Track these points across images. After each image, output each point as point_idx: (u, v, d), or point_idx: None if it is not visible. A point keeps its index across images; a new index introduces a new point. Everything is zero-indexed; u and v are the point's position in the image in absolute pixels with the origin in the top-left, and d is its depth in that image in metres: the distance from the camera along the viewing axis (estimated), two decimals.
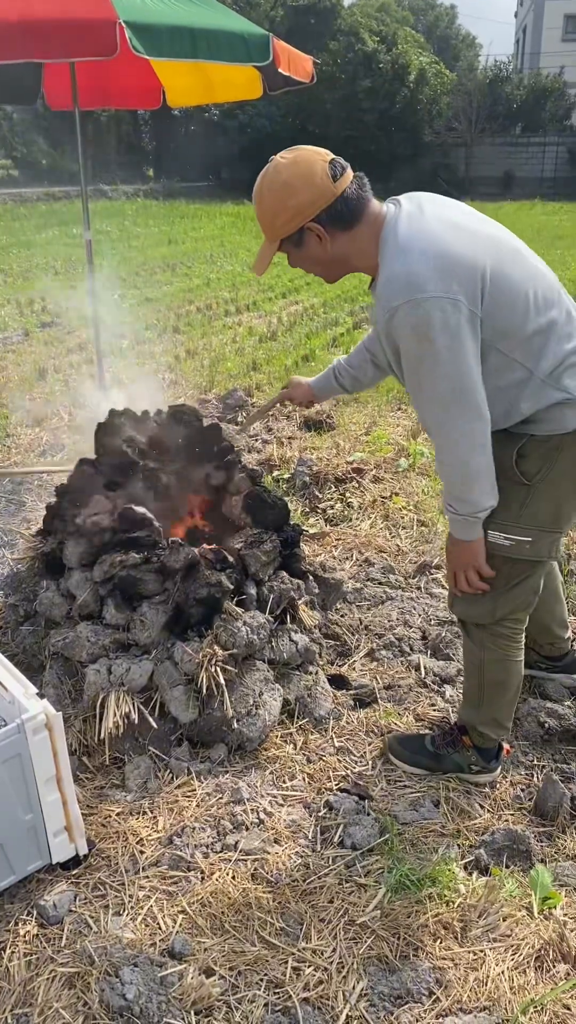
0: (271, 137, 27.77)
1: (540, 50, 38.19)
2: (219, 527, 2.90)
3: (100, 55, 3.81)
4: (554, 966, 1.84)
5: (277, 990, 1.79)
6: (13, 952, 1.87)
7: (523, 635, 2.29)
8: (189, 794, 2.32)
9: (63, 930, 1.92)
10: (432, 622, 3.18)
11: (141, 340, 8.03)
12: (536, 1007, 1.74)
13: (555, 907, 1.99)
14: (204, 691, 2.41)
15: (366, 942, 1.90)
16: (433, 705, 2.74)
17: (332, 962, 1.85)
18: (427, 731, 2.54)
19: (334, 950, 1.88)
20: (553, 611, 2.65)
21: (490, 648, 2.26)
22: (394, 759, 2.46)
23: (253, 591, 2.65)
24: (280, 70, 4.57)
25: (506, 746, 2.46)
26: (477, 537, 2.05)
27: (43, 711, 1.92)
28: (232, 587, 2.56)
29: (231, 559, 2.61)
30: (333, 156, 1.88)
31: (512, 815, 2.32)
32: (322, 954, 1.87)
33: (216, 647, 2.46)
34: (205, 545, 2.66)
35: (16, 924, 1.94)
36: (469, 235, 1.84)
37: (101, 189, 26.77)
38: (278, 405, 2.93)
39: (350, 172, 1.88)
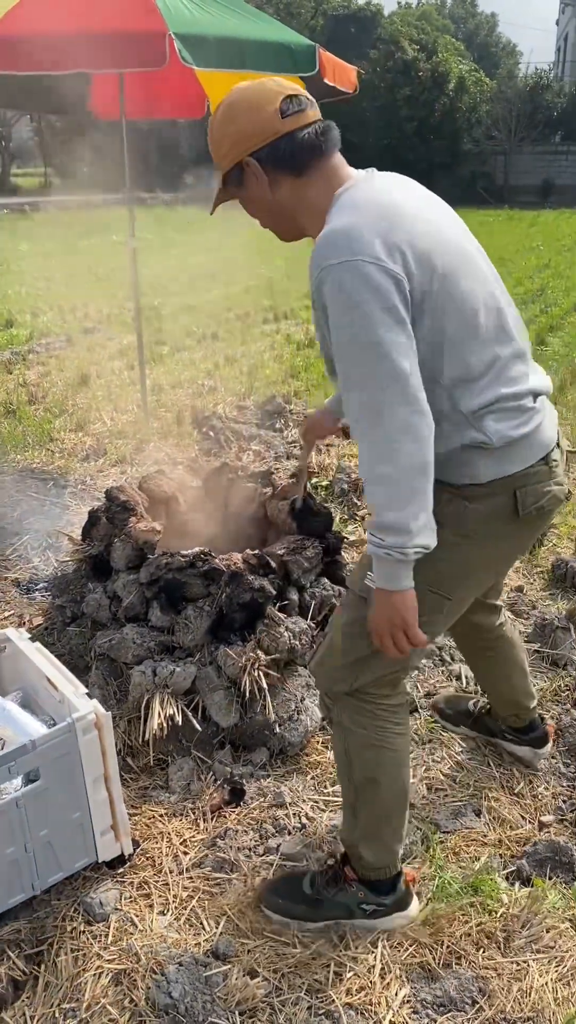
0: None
1: None
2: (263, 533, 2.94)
3: (150, 66, 3.88)
4: None
5: (320, 994, 1.80)
6: (60, 948, 1.90)
7: (396, 718, 1.86)
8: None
9: (109, 927, 1.95)
10: None
11: (181, 347, 8.10)
12: None
13: None
14: (247, 695, 2.44)
15: (408, 949, 1.90)
16: None
17: (374, 968, 1.86)
18: (303, 870, 2.07)
19: (376, 957, 1.88)
20: (512, 682, 2.38)
21: (352, 731, 1.83)
22: (265, 910, 1.99)
23: (295, 597, 2.67)
24: (326, 80, 4.62)
25: (409, 872, 2.02)
26: (405, 587, 1.60)
27: (93, 711, 1.96)
28: (275, 593, 2.58)
29: (274, 565, 2.63)
30: (300, 93, 1.65)
31: (556, 824, 2.31)
32: (364, 961, 1.88)
33: (259, 651, 2.48)
34: (248, 551, 2.69)
35: (63, 920, 1.97)
36: (430, 224, 1.61)
37: (140, 197, 27.07)
38: (313, 452, 2.79)
39: (311, 114, 1.65)
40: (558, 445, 1.79)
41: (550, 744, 2.51)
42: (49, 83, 5.13)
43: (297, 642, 2.55)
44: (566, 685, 2.88)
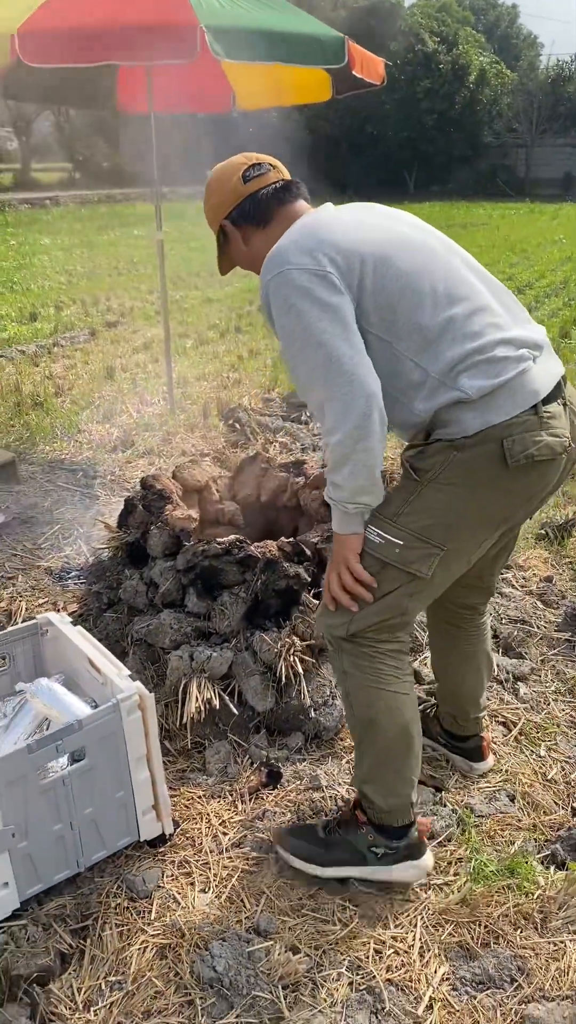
0: (330, 139, 27.87)
1: None
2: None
3: (181, 58, 3.90)
4: None
5: (360, 971, 1.83)
6: (105, 923, 1.94)
7: (395, 665, 1.92)
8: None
9: (152, 904, 1.99)
10: (503, 620, 3.19)
11: (205, 340, 8.13)
12: None
13: None
14: (282, 680, 2.47)
15: (447, 929, 1.93)
16: (506, 702, 2.76)
17: (413, 947, 1.89)
18: (316, 821, 2.16)
19: (415, 936, 1.91)
20: (464, 682, 2.34)
21: (351, 675, 1.91)
22: (280, 851, 2.10)
23: None
24: (354, 72, 4.63)
25: (423, 822, 2.05)
26: (352, 531, 1.83)
27: (137, 691, 1.99)
28: (310, 580, 2.61)
29: (309, 552, 2.66)
30: (260, 161, 1.96)
31: None
32: (404, 940, 1.91)
33: (294, 637, 2.52)
34: (283, 538, 2.72)
35: (107, 896, 2.01)
36: (359, 228, 1.80)
37: (160, 191, 27.11)
38: None
39: (273, 175, 1.94)
40: (562, 400, 1.81)
41: (488, 761, 2.45)
42: (77, 77, 5.19)
43: None
44: None
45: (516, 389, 1.73)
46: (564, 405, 1.82)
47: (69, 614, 3.09)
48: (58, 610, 3.18)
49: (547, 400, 1.77)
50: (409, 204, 24.99)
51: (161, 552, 2.72)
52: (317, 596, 2.64)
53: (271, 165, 1.96)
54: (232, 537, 2.64)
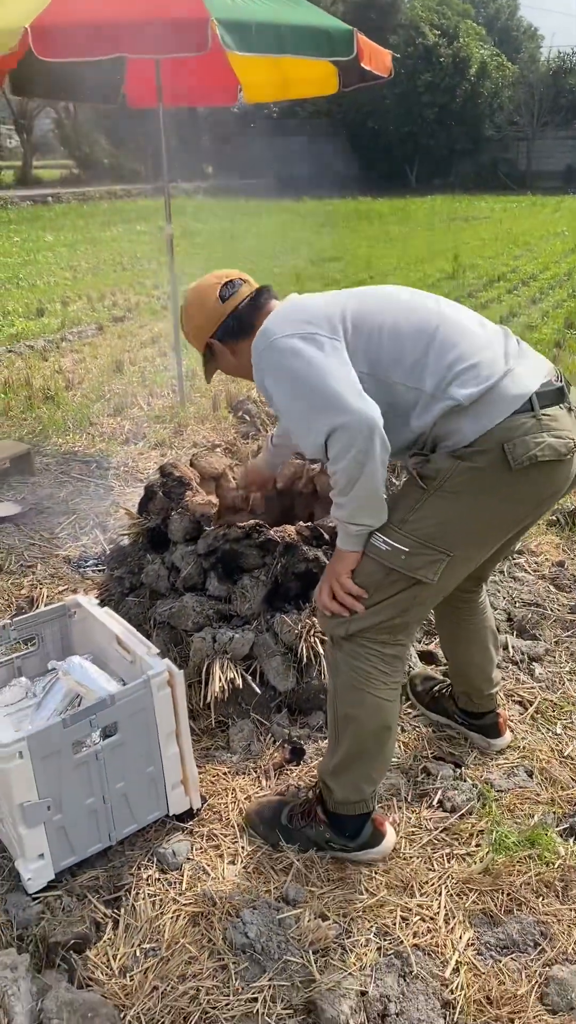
0: (331, 133, 27.89)
1: None
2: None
3: (191, 51, 3.94)
4: None
5: (388, 936, 1.89)
6: (138, 893, 2.00)
7: (386, 671, 1.96)
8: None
9: (183, 875, 2.05)
10: (517, 604, 3.24)
11: None
12: None
13: None
14: (303, 661, 2.52)
15: (471, 897, 1.98)
16: (522, 682, 2.81)
17: (439, 915, 1.94)
18: (291, 799, 2.23)
19: (440, 904, 1.97)
20: (472, 659, 2.41)
21: (342, 672, 1.96)
22: (251, 830, 2.19)
23: None
24: (363, 65, 4.66)
25: (380, 818, 2.12)
26: (350, 549, 1.91)
27: (166, 668, 2.05)
28: (328, 562, 2.65)
29: (327, 536, 2.71)
30: (232, 278, 2.06)
31: None
32: (429, 908, 1.96)
33: (314, 619, 2.56)
34: (301, 523, 2.77)
35: (138, 868, 2.06)
36: (329, 296, 1.96)
37: (161, 186, 27.14)
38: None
39: (245, 290, 2.04)
40: (566, 405, 1.85)
41: (505, 738, 2.51)
42: (85, 72, 5.22)
43: None
44: None
45: (504, 389, 1.79)
46: (569, 410, 1.86)
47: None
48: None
49: (546, 402, 1.81)
50: (411, 198, 25.04)
51: (182, 537, 2.77)
52: None
53: (242, 280, 2.06)
54: (252, 521, 2.69)
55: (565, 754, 2.50)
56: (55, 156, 35.95)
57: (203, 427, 5.43)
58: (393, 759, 2.43)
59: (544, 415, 1.79)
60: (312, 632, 2.54)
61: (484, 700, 2.46)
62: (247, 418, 5.49)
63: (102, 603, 2.98)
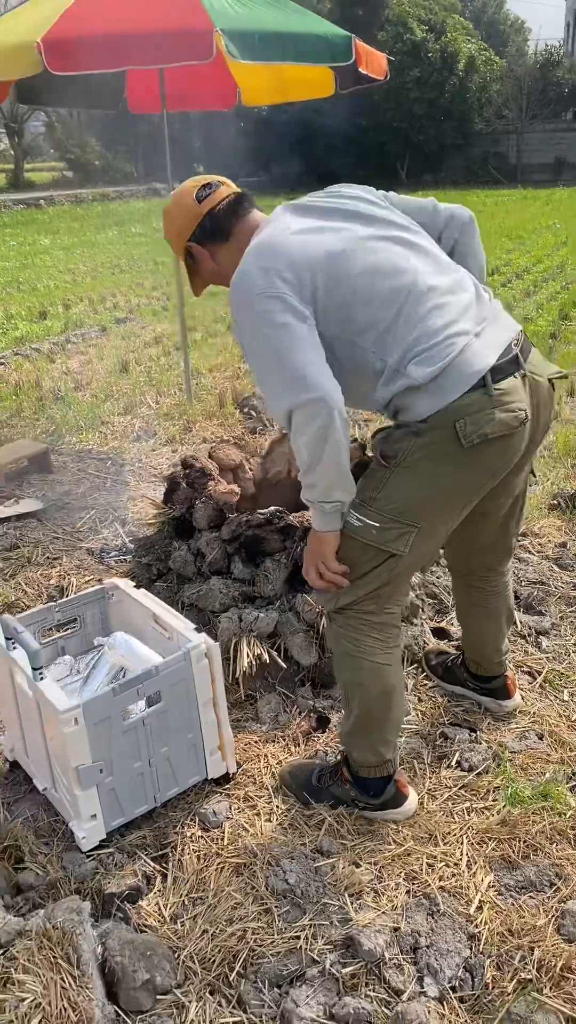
0: (321, 131, 27.97)
1: None
2: None
3: (197, 60, 4.11)
4: None
5: (416, 880, 2.06)
6: (183, 850, 2.17)
7: (379, 638, 2.10)
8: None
9: (223, 832, 2.21)
10: (523, 583, 3.41)
11: (212, 332, 8.34)
12: None
13: None
14: (324, 637, 2.69)
15: (490, 845, 2.15)
16: (530, 654, 2.98)
17: (461, 861, 2.11)
18: (320, 763, 2.41)
19: (462, 851, 2.14)
20: (486, 634, 2.57)
21: (340, 642, 2.13)
22: (284, 789, 2.37)
23: None
24: (361, 69, 4.83)
25: (402, 780, 2.27)
26: (329, 529, 2.00)
27: (204, 641, 2.21)
28: None
29: None
30: (212, 180, 2.10)
31: None
32: (452, 855, 2.13)
33: None
34: None
35: (182, 828, 2.23)
36: (310, 241, 1.92)
37: (155, 188, 27.27)
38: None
39: (223, 191, 2.08)
40: (520, 373, 1.93)
41: (515, 699, 2.67)
42: (89, 80, 5.38)
43: None
44: None
45: (459, 368, 1.84)
46: (523, 376, 1.94)
47: None
48: None
49: (501, 375, 1.88)
50: (402, 193, 25.17)
51: (207, 524, 2.94)
52: None
53: (220, 182, 2.11)
54: (272, 508, 2.86)
55: (572, 719, 2.67)
56: (45, 159, 36.05)
57: (211, 423, 5.59)
58: (412, 726, 2.60)
59: (497, 390, 1.86)
60: None
61: (493, 666, 2.63)
62: (253, 414, 5.65)
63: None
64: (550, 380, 2.07)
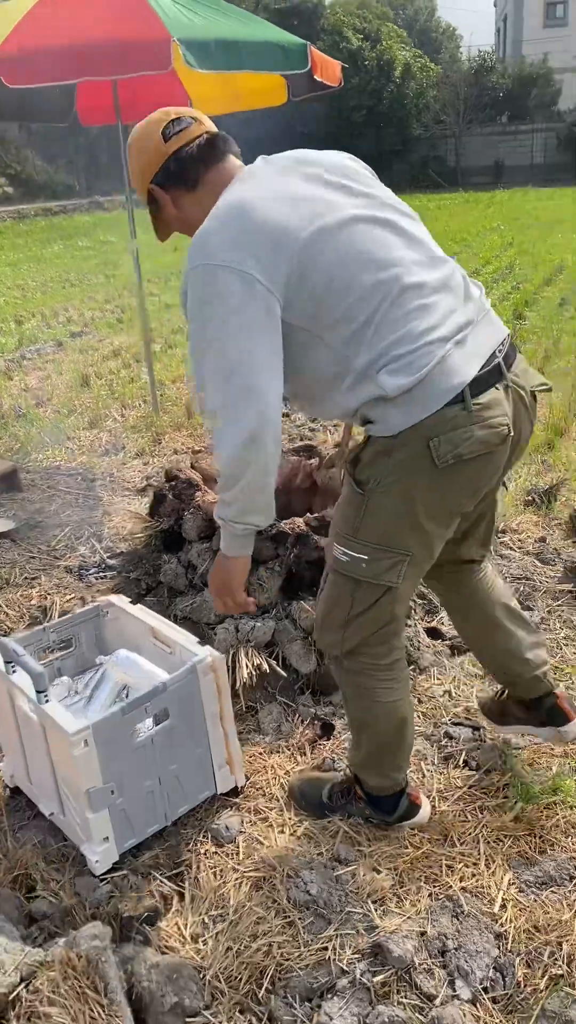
0: (259, 140, 28.09)
1: (522, 37, 38.45)
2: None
3: (155, 70, 4.08)
4: None
5: (437, 883, 2.05)
6: (198, 867, 2.13)
7: (388, 678, 1.99)
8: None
9: (238, 847, 2.18)
10: (507, 579, 3.43)
11: (172, 344, 8.29)
12: None
13: None
14: None
15: (507, 842, 2.15)
16: None
17: (480, 860, 2.11)
18: (330, 778, 2.31)
19: (480, 851, 2.13)
20: (495, 642, 2.26)
21: (347, 683, 2.03)
22: (292, 798, 2.32)
23: None
24: (316, 77, 4.84)
25: (414, 792, 2.21)
26: (238, 554, 1.85)
27: (209, 654, 2.18)
28: None
29: None
30: (184, 115, 1.84)
31: None
32: (470, 855, 2.12)
33: None
34: (309, 515, 2.92)
35: (196, 845, 2.19)
36: (289, 212, 1.67)
37: (97, 201, 27.09)
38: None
39: (195, 130, 1.82)
40: (503, 384, 1.75)
41: (575, 722, 2.29)
42: (41, 93, 5.31)
43: None
44: None
45: (436, 381, 1.65)
46: (506, 387, 1.77)
47: None
48: (86, 604, 3.33)
49: (482, 387, 1.70)
50: None
51: (197, 535, 2.91)
52: None
53: (193, 118, 1.84)
54: None
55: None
56: None
57: (180, 434, 5.55)
58: (416, 728, 2.59)
59: (476, 404, 1.68)
60: None
61: (531, 684, 2.28)
62: None
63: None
64: (533, 392, 1.88)
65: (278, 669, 2.66)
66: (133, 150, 1.88)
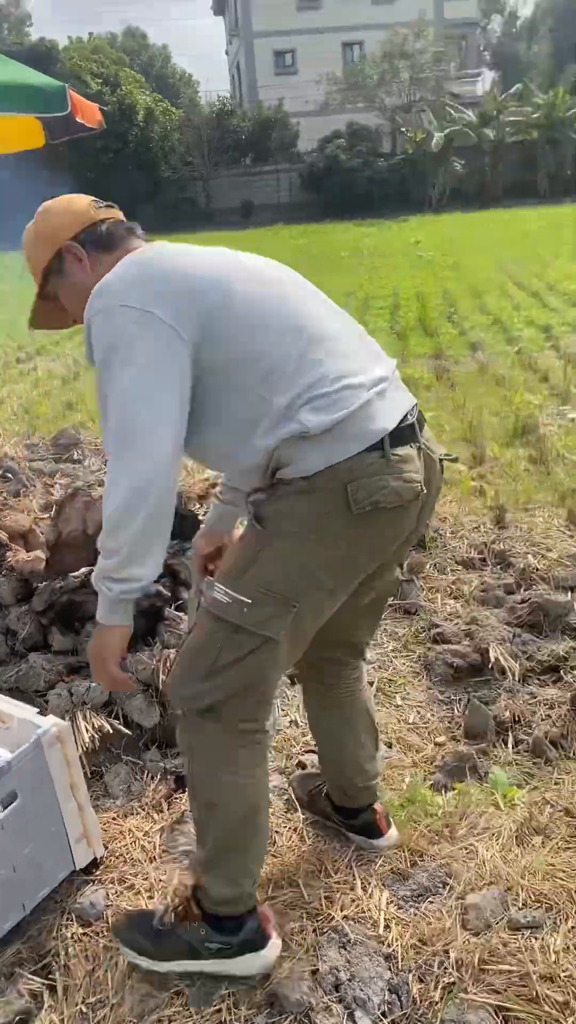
0: (7, 184, 27.40)
1: (256, 83, 40.24)
2: None
3: None
4: (531, 839, 2.21)
5: (319, 917, 2.02)
6: (67, 953, 1.97)
7: (250, 745, 1.79)
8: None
9: (107, 923, 2.04)
10: None
11: None
12: (530, 872, 2.09)
13: (515, 798, 2.37)
14: (163, 693, 2.59)
15: (377, 862, 2.17)
16: None
17: (356, 886, 2.11)
18: (163, 908, 1.93)
19: (354, 875, 2.14)
20: (345, 748, 2.16)
21: (199, 753, 1.78)
22: (117, 941, 1.95)
23: (187, 595, 2.85)
24: (77, 119, 4.78)
25: (264, 911, 1.91)
26: (115, 623, 1.71)
27: (54, 724, 2.04)
28: (169, 594, 2.75)
29: (166, 570, 2.80)
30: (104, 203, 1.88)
31: (449, 741, 2.68)
32: (346, 882, 2.12)
33: (168, 651, 2.64)
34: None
35: (60, 930, 2.03)
36: (196, 261, 1.70)
37: None
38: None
39: (119, 213, 1.88)
40: (416, 444, 1.73)
41: (390, 835, 2.22)
42: None
43: None
44: (420, 628, 3.29)
45: (358, 423, 1.63)
46: (419, 449, 1.74)
47: None
48: None
49: (398, 442, 1.67)
50: None
51: (14, 598, 2.73)
52: (179, 608, 2.79)
53: (108, 205, 1.87)
54: (85, 569, 2.72)
55: (410, 721, 2.78)
56: None
57: None
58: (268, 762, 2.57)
59: (394, 455, 1.65)
60: (168, 663, 2.62)
61: (358, 793, 2.20)
62: (10, 476, 5.35)
63: None
64: (440, 460, 1.86)
65: (120, 728, 2.55)
66: (51, 213, 1.84)
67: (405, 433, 1.70)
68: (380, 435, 1.64)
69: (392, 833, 2.23)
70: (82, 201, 1.86)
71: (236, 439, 1.69)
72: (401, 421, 1.70)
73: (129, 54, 43.73)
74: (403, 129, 31.69)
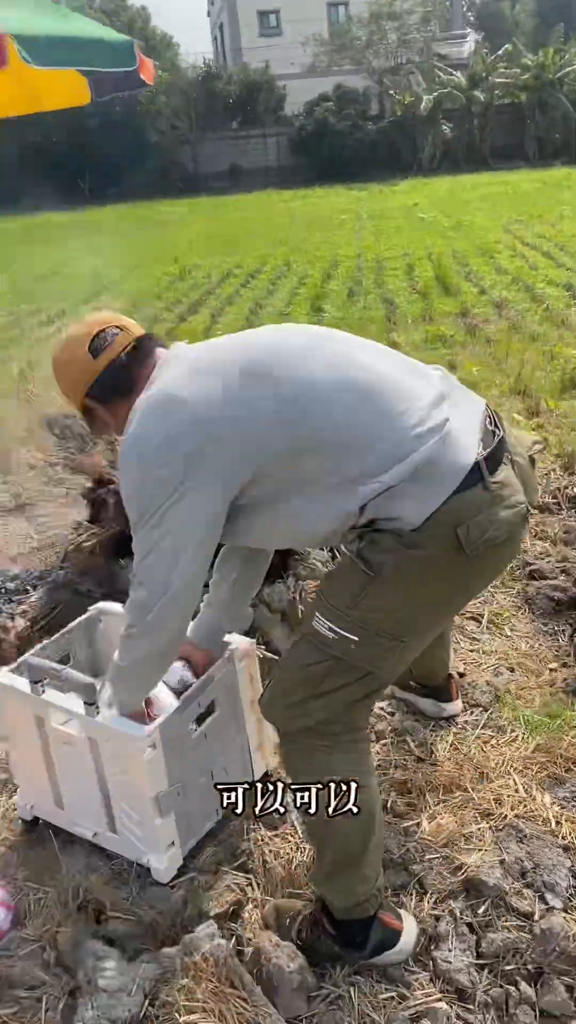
0: None
1: (240, 46, 39.65)
2: None
3: None
4: None
5: (490, 817, 2.18)
6: (262, 854, 2.11)
7: (355, 753, 1.76)
8: None
9: (294, 827, 2.19)
10: None
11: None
12: None
13: None
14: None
15: (533, 769, 2.33)
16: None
17: (518, 788, 2.26)
18: (299, 907, 1.90)
19: (516, 782, 2.29)
20: (433, 654, 2.34)
21: (304, 768, 1.77)
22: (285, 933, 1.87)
23: None
24: (140, 75, 4.81)
25: (386, 917, 1.80)
26: (130, 712, 1.94)
27: (242, 641, 2.18)
28: None
29: None
30: (105, 326, 1.81)
31: (561, 668, 2.81)
32: (508, 786, 2.28)
33: (301, 583, 2.77)
34: None
35: (248, 833, 2.18)
36: (235, 370, 1.66)
37: None
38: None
39: (121, 340, 1.80)
40: (507, 458, 1.69)
41: (455, 704, 2.50)
42: None
43: None
44: (515, 566, 3.44)
45: (442, 460, 1.58)
46: (512, 462, 1.70)
47: (32, 628, 3.06)
48: (6, 631, 3.13)
49: (493, 465, 1.62)
50: (90, 209, 24.91)
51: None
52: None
53: (117, 328, 1.82)
54: None
55: (522, 649, 2.93)
56: None
57: (27, 452, 5.29)
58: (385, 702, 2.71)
59: (494, 483, 1.60)
60: (302, 594, 2.75)
61: (439, 677, 2.49)
62: (69, 433, 5.43)
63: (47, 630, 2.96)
64: (531, 457, 1.81)
65: (268, 654, 2.68)
66: (59, 370, 1.86)
67: (496, 454, 1.64)
68: (469, 466, 1.58)
69: (458, 703, 2.54)
70: (80, 351, 1.80)
71: (309, 507, 1.65)
72: (485, 437, 1.64)
73: (108, 15, 42.90)
74: (391, 92, 31.39)
